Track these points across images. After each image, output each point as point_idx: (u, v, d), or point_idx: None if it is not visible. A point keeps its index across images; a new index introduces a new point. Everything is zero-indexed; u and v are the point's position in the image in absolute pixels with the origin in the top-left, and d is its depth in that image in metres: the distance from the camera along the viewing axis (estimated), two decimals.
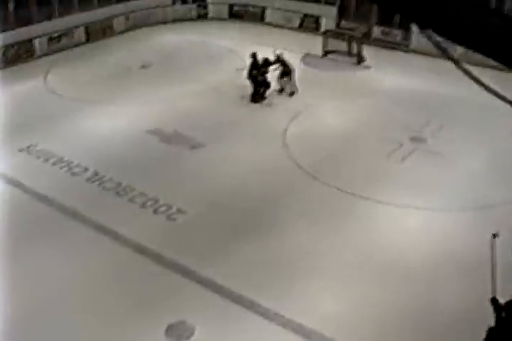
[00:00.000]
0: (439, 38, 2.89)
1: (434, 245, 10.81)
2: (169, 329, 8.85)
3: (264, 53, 16.77)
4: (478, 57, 3.51)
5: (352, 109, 16.71)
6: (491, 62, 3.12)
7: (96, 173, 13.10)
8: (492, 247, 7.40)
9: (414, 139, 14.74)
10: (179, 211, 11.77)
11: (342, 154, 14.09)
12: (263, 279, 9.92)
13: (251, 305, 9.32)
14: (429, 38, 2.93)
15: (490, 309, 7.37)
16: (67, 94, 17.52)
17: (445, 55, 3.03)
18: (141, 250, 10.62)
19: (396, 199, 12.19)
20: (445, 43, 2.95)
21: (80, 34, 22.00)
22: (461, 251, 10.53)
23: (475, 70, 2.88)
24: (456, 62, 2.94)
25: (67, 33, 21.55)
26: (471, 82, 3.16)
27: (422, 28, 2.94)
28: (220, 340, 8.74)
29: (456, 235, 11.09)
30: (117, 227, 11.19)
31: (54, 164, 13.50)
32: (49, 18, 21.26)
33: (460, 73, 3.25)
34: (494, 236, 7.48)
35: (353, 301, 9.53)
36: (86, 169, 13.28)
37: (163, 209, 11.86)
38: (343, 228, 11.33)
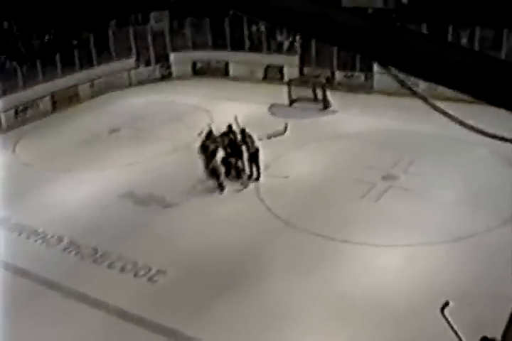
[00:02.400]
0: (401, 75, 2.83)
1: (418, 281, 10.60)
2: None
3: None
4: (441, 90, 3.48)
5: (322, 154, 16.74)
6: (455, 95, 3.06)
7: (71, 242, 12.80)
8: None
9: (386, 177, 14.72)
10: (159, 272, 11.49)
11: (317, 200, 13.96)
12: (251, 333, 9.63)
13: None
14: (392, 75, 2.87)
15: None
16: (37, 164, 17.36)
17: (410, 91, 2.98)
18: (124, 315, 10.29)
19: (375, 239, 12.02)
20: (408, 78, 2.91)
21: (46, 104, 22.05)
22: (447, 283, 10.28)
23: (439, 104, 2.83)
24: (422, 97, 2.88)
25: (32, 104, 21.57)
26: (436, 116, 3.09)
27: (383, 65, 2.88)
28: None
29: (440, 268, 10.90)
30: (98, 295, 10.86)
31: (28, 237, 13.21)
32: (13, 90, 21.31)
33: (424, 109, 3.20)
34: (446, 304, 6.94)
35: None
36: (61, 239, 12.97)
37: (143, 271, 11.57)
38: (324, 274, 11.06)
